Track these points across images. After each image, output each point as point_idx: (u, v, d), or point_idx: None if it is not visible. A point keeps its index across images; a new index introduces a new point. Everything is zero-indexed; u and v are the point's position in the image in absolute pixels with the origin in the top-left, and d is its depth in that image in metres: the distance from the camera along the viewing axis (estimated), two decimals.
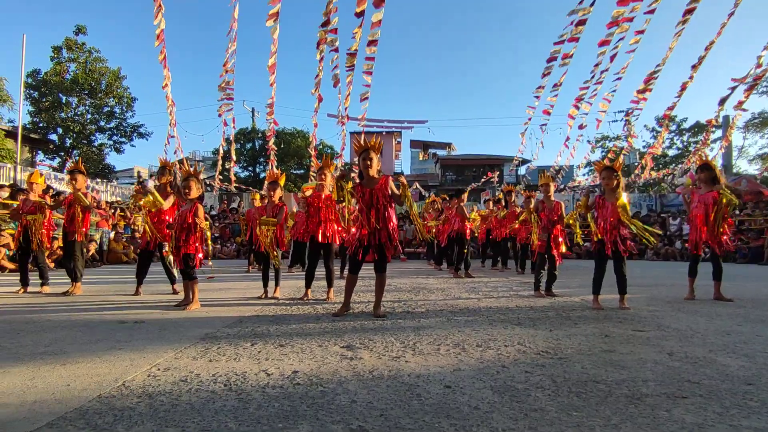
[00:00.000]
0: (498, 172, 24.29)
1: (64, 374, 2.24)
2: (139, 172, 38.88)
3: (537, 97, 10.17)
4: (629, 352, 2.69)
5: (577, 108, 10.91)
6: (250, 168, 32.30)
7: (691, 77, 9.75)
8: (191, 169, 4.64)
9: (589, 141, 23.27)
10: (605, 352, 2.71)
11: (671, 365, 2.41)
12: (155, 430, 1.59)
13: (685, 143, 30.86)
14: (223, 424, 1.65)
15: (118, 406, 1.81)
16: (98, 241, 11.86)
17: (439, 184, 34.66)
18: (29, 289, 5.66)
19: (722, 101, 10.84)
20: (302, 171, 30.65)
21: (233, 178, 18.44)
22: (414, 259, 15.04)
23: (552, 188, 5.67)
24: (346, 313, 4.09)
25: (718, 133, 21.73)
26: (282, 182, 5.60)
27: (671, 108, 12.32)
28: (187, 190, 4.45)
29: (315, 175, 5.36)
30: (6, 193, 10.06)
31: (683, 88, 10.58)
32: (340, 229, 5.25)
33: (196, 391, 2.00)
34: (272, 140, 12.77)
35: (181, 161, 14.98)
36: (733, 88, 11.48)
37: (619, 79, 9.58)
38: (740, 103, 11.54)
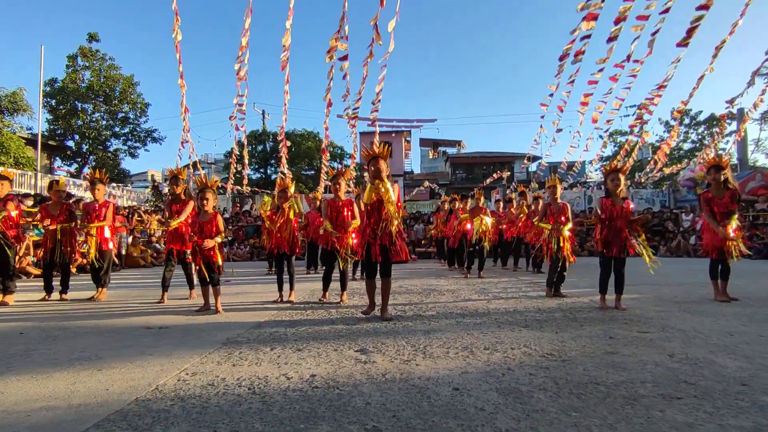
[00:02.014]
0: (508, 172, 24.25)
1: (102, 379, 2.43)
2: (153, 175, 39.65)
3: (550, 95, 10.19)
4: (631, 354, 2.80)
5: (585, 104, 10.90)
6: (261, 170, 32.68)
7: (702, 76, 9.69)
8: (207, 181, 4.82)
9: (600, 136, 23.12)
10: (608, 354, 2.83)
11: (671, 366, 2.52)
12: (191, 430, 1.76)
13: (700, 136, 30.45)
14: (250, 425, 1.81)
15: (154, 409, 1.99)
16: (116, 246, 12.23)
17: (450, 182, 34.69)
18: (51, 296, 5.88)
19: (731, 101, 10.77)
20: (313, 172, 30.91)
21: (246, 181, 18.71)
22: (425, 258, 15.17)
23: (559, 191, 5.74)
24: (373, 312, 4.34)
25: (734, 126, 21.42)
26: (292, 189, 5.79)
27: (685, 103, 12.23)
28: (204, 201, 4.65)
29: (328, 180, 5.56)
30: (30, 202, 10.42)
31: (699, 80, 10.49)
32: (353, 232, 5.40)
33: (223, 395, 2.17)
34: (285, 149, 12.98)
35: (194, 165, 15.30)
36: (750, 82, 11.37)
37: (633, 76, 9.54)
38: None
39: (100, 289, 5.80)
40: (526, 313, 4.34)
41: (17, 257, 6.91)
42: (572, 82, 10.61)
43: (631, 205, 4.69)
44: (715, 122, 27.26)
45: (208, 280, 4.66)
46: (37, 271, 9.33)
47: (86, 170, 24.61)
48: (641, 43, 8.57)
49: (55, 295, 5.88)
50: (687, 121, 29.68)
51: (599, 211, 4.71)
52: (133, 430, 1.78)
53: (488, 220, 8.18)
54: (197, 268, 4.72)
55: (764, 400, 2.00)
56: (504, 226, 9.86)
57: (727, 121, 18.52)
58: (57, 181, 6.14)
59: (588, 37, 8.53)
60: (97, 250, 5.76)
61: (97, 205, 5.86)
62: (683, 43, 7.80)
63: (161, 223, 5.67)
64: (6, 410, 2.00)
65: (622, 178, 4.69)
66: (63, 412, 1.96)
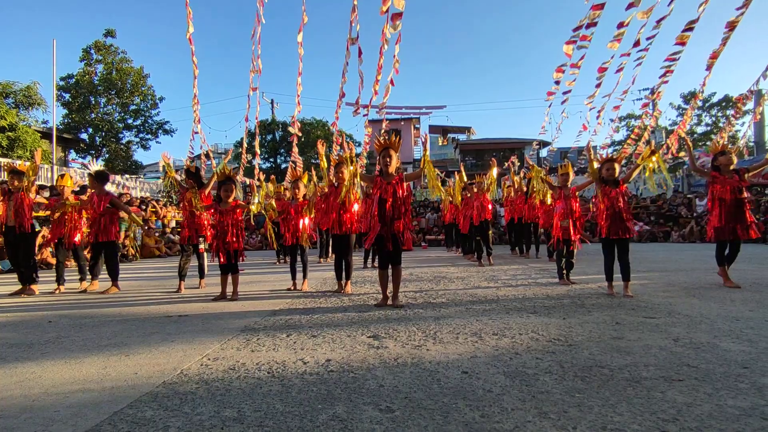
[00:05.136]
0: (516, 157, 24.08)
1: (130, 364, 2.59)
2: (164, 166, 40.06)
3: (557, 82, 10.06)
4: (637, 339, 2.88)
5: (593, 98, 10.81)
6: (271, 159, 32.86)
7: (714, 57, 9.45)
8: (230, 172, 4.96)
9: (612, 119, 22.76)
10: (614, 338, 2.91)
11: (674, 351, 2.60)
12: (217, 410, 1.89)
13: (713, 118, 29.85)
14: (271, 406, 1.94)
15: (181, 391, 2.13)
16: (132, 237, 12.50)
17: (459, 169, 34.52)
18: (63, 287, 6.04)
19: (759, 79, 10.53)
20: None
21: (258, 171, 18.86)
22: (435, 246, 15.26)
23: (571, 178, 5.82)
24: (386, 304, 4.29)
25: (749, 105, 20.90)
26: (305, 180, 5.91)
27: (696, 96, 12.03)
28: (228, 193, 4.82)
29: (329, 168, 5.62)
30: (47, 193, 10.69)
31: (709, 67, 10.27)
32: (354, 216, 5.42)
33: (244, 378, 2.30)
34: (296, 145, 13.08)
35: (207, 155, 15.45)
36: None
37: (639, 64, 9.39)
38: None
39: (105, 281, 5.90)
40: (535, 300, 4.42)
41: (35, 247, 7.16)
42: (578, 66, 10.42)
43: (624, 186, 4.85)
44: (729, 104, 26.69)
45: (228, 267, 4.83)
46: None
47: (100, 162, 25.01)
48: (647, 30, 8.41)
49: (75, 284, 6.10)
50: (699, 103, 29.06)
51: (600, 198, 4.80)
52: (164, 410, 1.91)
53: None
54: (214, 258, 4.89)
55: (763, 382, 2.07)
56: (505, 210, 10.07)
57: (743, 101, 18.08)
58: (62, 176, 6.35)
59: (594, 24, 8.39)
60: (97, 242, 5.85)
61: (96, 197, 5.85)
62: (681, 42, 7.78)
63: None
64: (45, 392, 2.16)
65: (617, 166, 4.88)
66: (98, 394, 2.11)
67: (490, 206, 8.22)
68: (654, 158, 4.98)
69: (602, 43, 8.36)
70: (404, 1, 6.51)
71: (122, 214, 6.07)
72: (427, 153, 4.61)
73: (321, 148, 5.38)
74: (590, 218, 5.90)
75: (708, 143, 20.99)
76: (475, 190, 8.35)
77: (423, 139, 4.78)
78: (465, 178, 9.14)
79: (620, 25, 8.63)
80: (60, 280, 5.98)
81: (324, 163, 5.50)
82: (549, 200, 8.34)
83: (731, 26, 8.00)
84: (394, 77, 7.72)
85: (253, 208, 5.66)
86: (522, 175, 11.27)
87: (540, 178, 6.94)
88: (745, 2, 7.18)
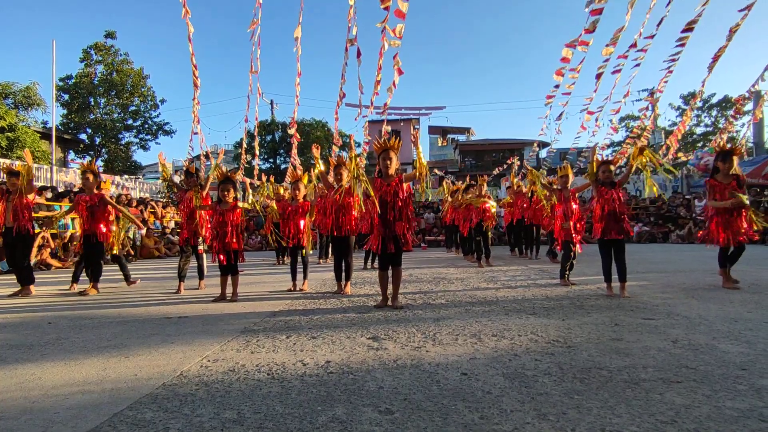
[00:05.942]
0: (518, 157, 24.09)
1: (130, 365, 2.59)
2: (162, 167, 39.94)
3: (557, 86, 10.07)
4: (636, 340, 2.88)
5: (589, 110, 10.91)
6: (270, 160, 32.86)
7: (715, 58, 9.43)
8: (229, 173, 4.97)
9: (611, 120, 22.76)
10: (613, 340, 2.91)
11: (673, 352, 2.60)
12: (216, 412, 1.90)
13: (713, 119, 29.90)
14: (271, 407, 1.94)
15: (181, 393, 2.13)
16: (132, 237, 12.49)
17: (459, 170, 34.56)
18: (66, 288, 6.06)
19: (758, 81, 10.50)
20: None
21: (257, 172, 18.87)
22: (434, 246, 15.28)
23: (571, 179, 5.85)
24: (386, 305, 4.30)
25: (749, 106, 20.89)
26: (305, 181, 5.91)
27: (696, 96, 12.05)
28: (225, 193, 4.82)
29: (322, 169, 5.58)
30: (49, 194, 10.69)
31: (710, 68, 10.28)
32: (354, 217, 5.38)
33: (244, 380, 2.31)
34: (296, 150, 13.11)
35: (207, 155, 15.45)
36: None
37: (637, 65, 9.41)
38: None
39: (94, 283, 5.78)
40: (534, 301, 4.42)
41: (35, 248, 7.16)
42: (577, 70, 10.43)
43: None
44: (729, 105, 26.75)
45: (228, 268, 4.84)
46: (58, 263, 9.63)
47: (99, 163, 25.01)
48: (646, 31, 8.44)
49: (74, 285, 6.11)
50: (699, 104, 29.10)
51: (596, 199, 4.84)
52: (164, 411, 1.92)
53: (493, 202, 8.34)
54: (214, 259, 4.89)
55: (761, 383, 2.08)
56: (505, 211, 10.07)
57: (742, 102, 18.07)
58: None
59: (593, 30, 8.39)
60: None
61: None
62: (681, 44, 7.83)
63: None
64: (45, 393, 2.16)
65: (612, 168, 4.95)
66: (97, 396, 2.11)
67: (489, 212, 8.17)
68: (644, 155, 4.96)
69: (602, 45, 8.36)
70: (407, 3, 6.53)
71: (116, 212, 6.08)
72: (421, 156, 4.53)
73: (316, 152, 5.36)
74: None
75: (707, 144, 20.99)
76: (476, 193, 8.34)
77: (413, 138, 4.67)
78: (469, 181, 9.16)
79: (618, 31, 8.65)
80: (75, 279, 6.06)
81: (319, 167, 5.45)
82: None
83: (732, 30, 8.02)
84: (397, 79, 7.71)
85: (246, 204, 5.66)
86: (524, 174, 11.27)
87: (544, 186, 6.91)
88: (747, 5, 7.18)
